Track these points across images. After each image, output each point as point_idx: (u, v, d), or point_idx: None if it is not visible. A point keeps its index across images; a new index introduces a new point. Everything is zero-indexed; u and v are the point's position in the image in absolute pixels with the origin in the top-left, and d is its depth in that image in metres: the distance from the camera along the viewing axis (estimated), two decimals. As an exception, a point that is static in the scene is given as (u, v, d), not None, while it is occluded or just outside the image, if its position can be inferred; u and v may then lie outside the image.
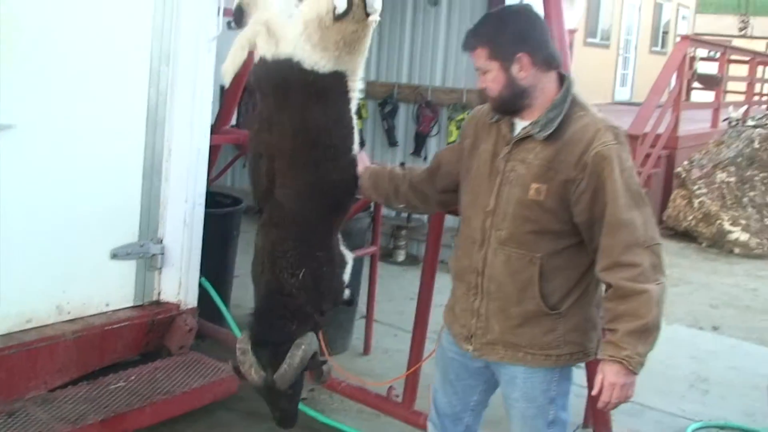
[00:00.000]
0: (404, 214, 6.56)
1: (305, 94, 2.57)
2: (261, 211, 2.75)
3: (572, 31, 10.35)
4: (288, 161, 2.61)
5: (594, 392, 2.25)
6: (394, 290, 5.66)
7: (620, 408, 3.09)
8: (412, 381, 3.55)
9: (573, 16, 14.04)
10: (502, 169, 2.32)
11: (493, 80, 2.27)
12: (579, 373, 2.88)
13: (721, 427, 4.17)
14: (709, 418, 4.23)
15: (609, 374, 2.19)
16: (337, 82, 2.64)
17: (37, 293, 3.32)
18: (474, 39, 2.29)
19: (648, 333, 2.16)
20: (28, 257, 3.26)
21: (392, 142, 6.86)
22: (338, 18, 2.48)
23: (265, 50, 2.57)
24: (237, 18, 2.91)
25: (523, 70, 2.24)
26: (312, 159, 2.62)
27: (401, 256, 6.58)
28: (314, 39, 2.51)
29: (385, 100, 6.83)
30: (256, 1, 2.69)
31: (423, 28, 6.79)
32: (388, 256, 6.46)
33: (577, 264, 2.31)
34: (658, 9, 19.16)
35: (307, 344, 2.60)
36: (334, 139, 2.67)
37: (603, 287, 2.34)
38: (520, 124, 2.32)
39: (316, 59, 2.54)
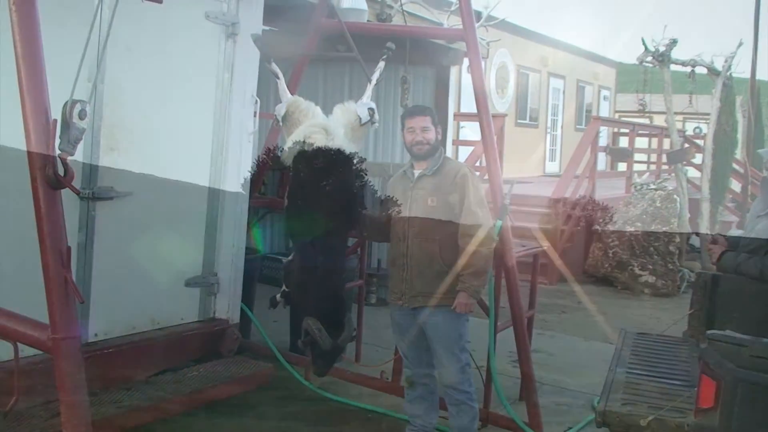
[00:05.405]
0: (374, 264, 8.11)
1: (347, 167, 4.23)
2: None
3: (503, 115, 12.06)
4: (343, 205, 4.17)
5: (454, 307, 3.99)
6: (371, 322, 7.13)
7: (546, 389, 4.93)
8: (397, 366, 5.09)
9: (503, 103, 16.05)
10: (410, 195, 4.14)
11: (430, 134, 4.15)
12: (515, 371, 4.53)
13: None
14: (610, 394, 5.79)
15: (460, 297, 3.98)
16: (353, 159, 4.31)
17: (140, 310, 4.77)
18: (427, 111, 4.32)
19: (478, 274, 3.98)
20: (133, 286, 4.70)
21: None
22: (362, 124, 4.28)
23: (324, 142, 4.13)
24: (282, 122, 4.47)
25: (439, 135, 4.22)
26: (353, 202, 4.25)
27: (373, 299, 7.98)
28: (350, 136, 4.27)
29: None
30: (306, 114, 4.32)
31: (383, 117, 8.44)
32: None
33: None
34: (580, 91, 21.04)
35: (351, 319, 4.25)
36: (358, 191, 4.31)
37: None
38: (417, 171, 4.17)
39: (351, 148, 4.25)
